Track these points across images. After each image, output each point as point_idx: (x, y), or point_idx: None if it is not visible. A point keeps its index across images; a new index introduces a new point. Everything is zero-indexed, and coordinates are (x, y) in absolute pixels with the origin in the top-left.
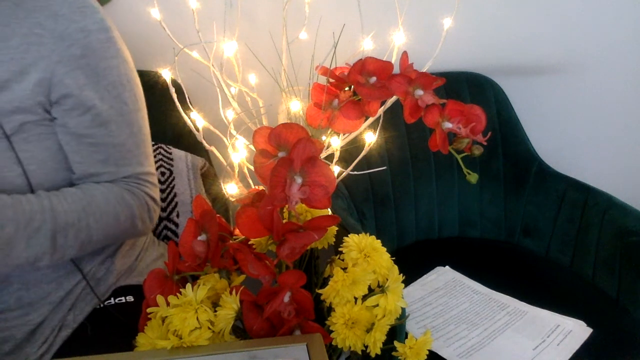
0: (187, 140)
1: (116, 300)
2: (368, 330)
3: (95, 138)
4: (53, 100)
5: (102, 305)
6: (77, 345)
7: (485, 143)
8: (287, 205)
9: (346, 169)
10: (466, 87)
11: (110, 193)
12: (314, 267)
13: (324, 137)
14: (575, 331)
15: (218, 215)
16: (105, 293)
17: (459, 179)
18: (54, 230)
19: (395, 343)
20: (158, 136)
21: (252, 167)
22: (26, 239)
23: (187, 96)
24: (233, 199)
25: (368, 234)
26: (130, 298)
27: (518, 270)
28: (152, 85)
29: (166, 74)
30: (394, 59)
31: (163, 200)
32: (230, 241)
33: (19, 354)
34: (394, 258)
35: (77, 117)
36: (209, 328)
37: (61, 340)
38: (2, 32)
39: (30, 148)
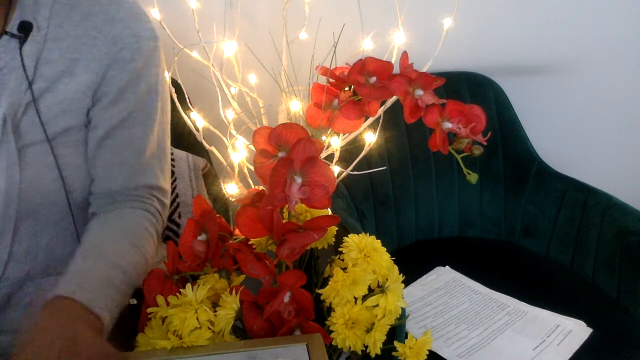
0: (187, 141)
1: None
2: (368, 330)
3: (116, 140)
4: (95, 99)
5: None
6: None
7: (485, 143)
8: (287, 205)
9: (346, 169)
10: (466, 87)
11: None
12: (314, 267)
13: (324, 137)
14: (575, 331)
15: (218, 215)
16: None
17: (459, 179)
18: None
19: (395, 343)
20: None
21: (252, 167)
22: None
23: (187, 96)
24: (233, 199)
25: (368, 234)
26: (133, 300)
27: (518, 270)
28: None
29: (166, 74)
30: (394, 59)
31: None
32: (230, 241)
33: None
34: (394, 258)
35: (108, 116)
36: (209, 328)
37: None
38: (54, 32)
39: (67, 153)
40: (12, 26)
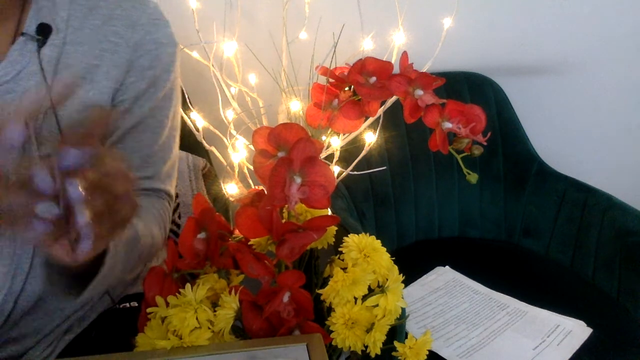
0: (187, 141)
1: (120, 306)
2: (368, 330)
3: (125, 144)
4: (111, 106)
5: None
6: (79, 346)
7: (485, 143)
8: (286, 205)
9: (346, 169)
10: (466, 87)
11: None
12: (314, 267)
13: (324, 137)
14: (575, 331)
15: (218, 213)
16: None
17: (459, 179)
18: (142, 252)
19: (395, 343)
20: None
21: (252, 167)
22: (131, 262)
23: (187, 96)
24: (233, 199)
25: (368, 234)
26: (134, 303)
27: (518, 270)
28: None
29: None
30: (394, 59)
31: None
32: (230, 240)
33: (24, 356)
34: (394, 258)
35: (121, 122)
36: (209, 328)
37: (64, 344)
38: (73, 35)
39: None
40: (29, 27)
